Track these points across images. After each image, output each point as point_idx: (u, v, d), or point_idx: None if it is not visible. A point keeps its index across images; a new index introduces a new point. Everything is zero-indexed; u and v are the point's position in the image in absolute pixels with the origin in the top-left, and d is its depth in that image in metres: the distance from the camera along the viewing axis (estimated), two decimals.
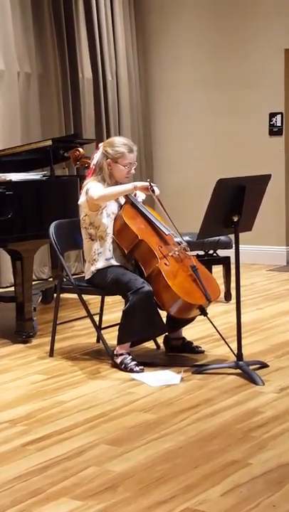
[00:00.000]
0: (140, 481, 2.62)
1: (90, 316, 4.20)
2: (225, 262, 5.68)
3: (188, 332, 4.41)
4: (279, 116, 7.36)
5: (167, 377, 3.82)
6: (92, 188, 4.01)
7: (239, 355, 3.84)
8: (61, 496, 2.52)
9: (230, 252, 5.31)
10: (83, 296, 4.19)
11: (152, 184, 4.08)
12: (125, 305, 3.96)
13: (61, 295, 4.46)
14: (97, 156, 4.16)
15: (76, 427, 3.18)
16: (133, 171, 4.15)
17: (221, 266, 5.69)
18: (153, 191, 4.05)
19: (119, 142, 4.14)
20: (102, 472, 2.70)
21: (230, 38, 7.54)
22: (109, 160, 4.09)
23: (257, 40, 7.41)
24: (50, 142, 4.98)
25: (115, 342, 4.04)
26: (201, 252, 5.67)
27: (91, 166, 4.21)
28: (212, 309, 4.42)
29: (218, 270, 5.73)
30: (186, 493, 2.51)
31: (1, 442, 3.02)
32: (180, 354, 4.24)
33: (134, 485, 2.59)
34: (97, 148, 4.22)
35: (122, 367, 3.95)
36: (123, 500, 2.48)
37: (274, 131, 7.41)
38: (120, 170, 4.09)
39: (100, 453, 2.89)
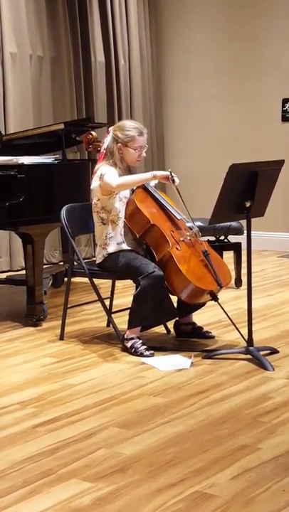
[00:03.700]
0: (150, 464, 2.63)
1: (101, 300, 4.20)
2: (236, 248, 5.67)
3: (199, 317, 4.41)
4: None
5: (177, 361, 3.83)
6: (108, 173, 3.99)
7: (249, 341, 3.84)
8: (71, 477, 2.53)
9: (241, 238, 5.32)
10: (94, 280, 4.19)
11: (173, 174, 4.06)
12: (136, 289, 3.97)
13: (72, 279, 4.47)
14: (107, 141, 4.14)
15: (86, 409, 3.19)
16: (144, 154, 4.14)
17: (232, 252, 5.69)
18: (173, 181, 4.03)
19: (129, 126, 4.12)
20: (111, 454, 2.72)
21: (243, 25, 7.49)
22: (119, 144, 4.07)
23: (270, 26, 7.35)
24: (62, 126, 4.97)
25: (125, 326, 4.05)
26: (212, 238, 5.67)
27: (102, 150, 4.20)
28: (223, 295, 4.42)
29: (228, 256, 5.72)
30: (196, 477, 2.52)
31: (11, 424, 3.04)
32: (190, 339, 4.25)
33: (143, 468, 2.60)
34: (107, 132, 4.21)
35: (132, 351, 3.96)
36: (133, 483, 2.49)
37: (287, 117, 7.37)
38: (131, 154, 4.08)
39: (110, 436, 2.90)
